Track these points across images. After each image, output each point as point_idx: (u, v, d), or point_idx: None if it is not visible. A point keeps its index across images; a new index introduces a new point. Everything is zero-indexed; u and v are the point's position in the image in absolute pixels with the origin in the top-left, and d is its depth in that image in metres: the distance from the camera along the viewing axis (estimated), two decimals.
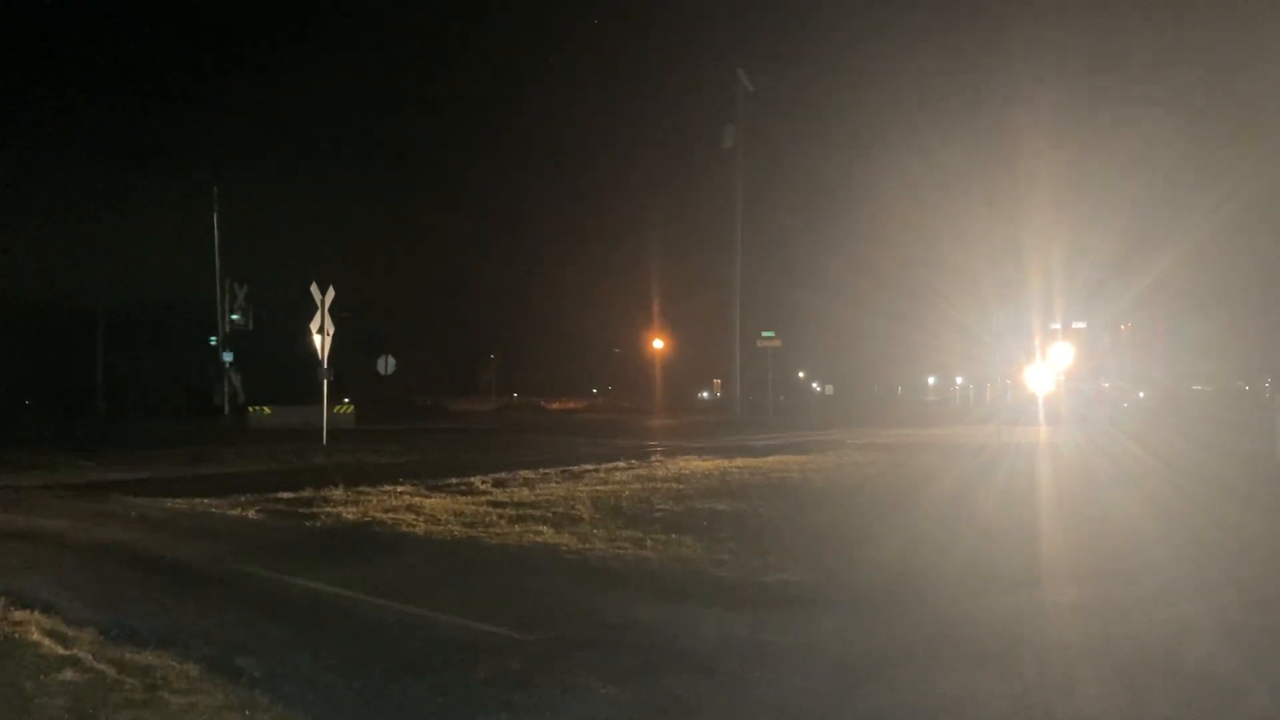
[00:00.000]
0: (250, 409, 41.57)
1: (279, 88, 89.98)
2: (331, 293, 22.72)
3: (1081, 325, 48.16)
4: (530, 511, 11.47)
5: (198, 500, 13.05)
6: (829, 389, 73.15)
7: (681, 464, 18.03)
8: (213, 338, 44.20)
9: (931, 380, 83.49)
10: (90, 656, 5.55)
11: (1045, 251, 40.12)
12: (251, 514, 11.86)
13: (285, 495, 13.26)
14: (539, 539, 9.71)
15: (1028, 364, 33.99)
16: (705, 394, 77.96)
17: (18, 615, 6.42)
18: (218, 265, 42.99)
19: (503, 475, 15.82)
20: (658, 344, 58.27)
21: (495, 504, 12.24)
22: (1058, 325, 41.12)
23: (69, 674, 5.23)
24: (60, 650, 5.67)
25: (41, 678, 5.17)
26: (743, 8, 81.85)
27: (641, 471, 16.61)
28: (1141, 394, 52.79)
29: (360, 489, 13.71)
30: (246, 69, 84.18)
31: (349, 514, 11.48)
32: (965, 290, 47.76)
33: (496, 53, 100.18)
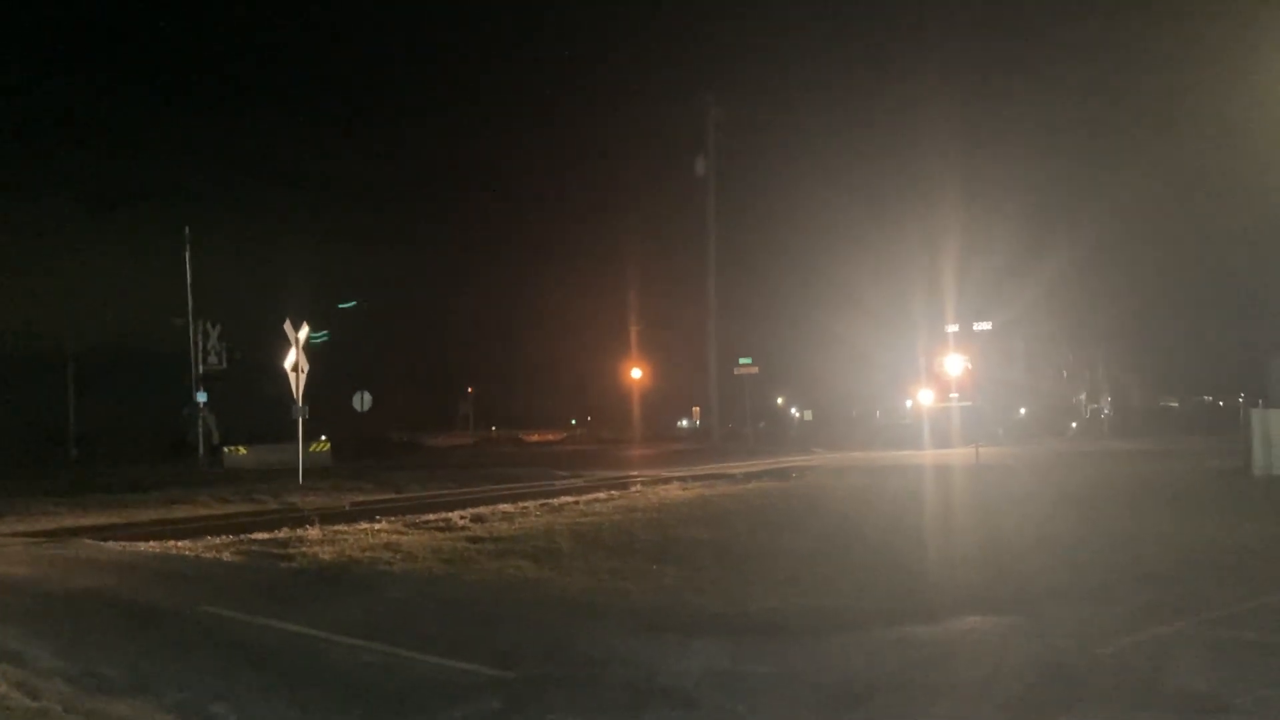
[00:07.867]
0: (226, 449, 41.08)
1: (249, 127, 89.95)
2: (305, 330, 22.55)
3: (986, 326, 44.61)
4: (510, 546, 11.37)
5: (172, 544, 12.86)
6: (808, 414, 73.10)
7: (662, 493, 17.95)
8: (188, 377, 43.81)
9: (909, 404, 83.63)
10: (60, 708, 5.43)
11: (941, 253, 38.02)
12: (226, 556, 11.70)
13: (261, 536, 13.09)
14: (519, 574, 9.62)
15: (913, 381, 31.62)
16: (684, 422, 77.68)
17: None
18: (190, 306, 42.65)
19: (481, 510, 15.67)
20: (635, 374, 58.15)
21: (474, 540, 12.13)
22: (954, 328, 36.30)
23: None
24: (29, 703, 5.54)
25: None
26: (713, 39, 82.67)
27: (622, 502, 16.52)
28: (1106, 411, 52.08)
29: (337, 528, 13.55)
30: (218, 111, 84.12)
31: (325, 554, 11.34)
32: (890, 311, 46.69)
33: (468, 87, 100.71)
